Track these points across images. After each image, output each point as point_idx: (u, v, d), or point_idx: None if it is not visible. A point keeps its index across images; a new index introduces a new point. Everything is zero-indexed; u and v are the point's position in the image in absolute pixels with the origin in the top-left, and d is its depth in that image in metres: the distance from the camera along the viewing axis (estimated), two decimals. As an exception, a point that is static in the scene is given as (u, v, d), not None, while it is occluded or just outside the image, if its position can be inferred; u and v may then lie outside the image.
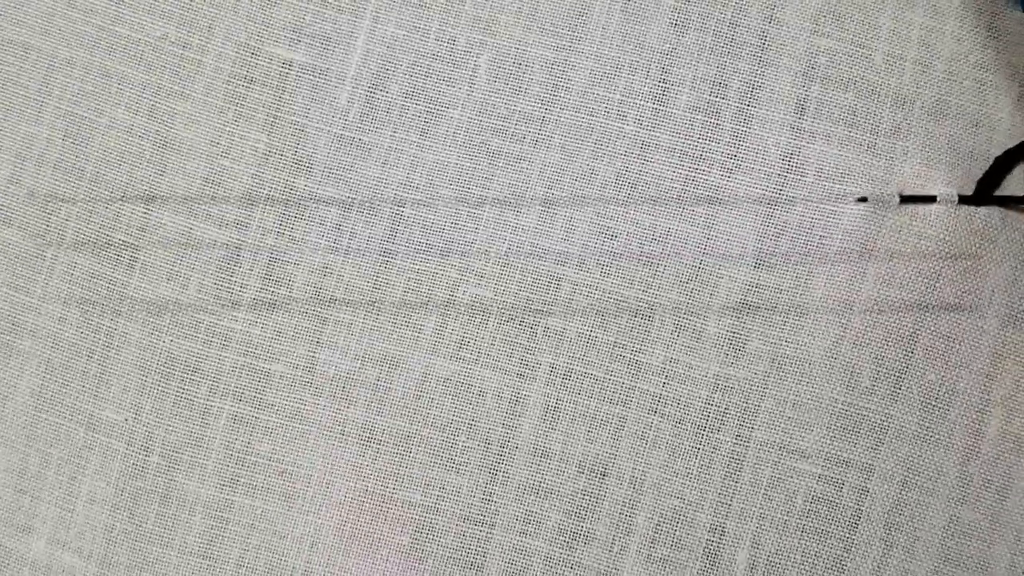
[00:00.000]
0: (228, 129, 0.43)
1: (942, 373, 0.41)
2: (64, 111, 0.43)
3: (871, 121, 0.42)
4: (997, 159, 0.41)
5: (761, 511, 0.41)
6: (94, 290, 0.43)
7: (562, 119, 0.42)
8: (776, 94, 0.42)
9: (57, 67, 0.43)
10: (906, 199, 0.41)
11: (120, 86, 0.43)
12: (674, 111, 0.42)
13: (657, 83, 0.42)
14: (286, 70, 0.43)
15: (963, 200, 0.41)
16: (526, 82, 0.42)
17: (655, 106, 0.42)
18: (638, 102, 0.42)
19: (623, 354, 0.42)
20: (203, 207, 0.42)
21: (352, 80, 0.43)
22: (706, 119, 0.42)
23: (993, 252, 0.41)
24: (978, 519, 0.41)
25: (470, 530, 0.42)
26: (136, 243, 0.43)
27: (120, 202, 0.43)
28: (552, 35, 0.42)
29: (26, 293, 0.43)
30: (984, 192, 0.41)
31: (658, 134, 0.42)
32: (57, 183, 0.43)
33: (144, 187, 0.43)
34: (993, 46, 0.42)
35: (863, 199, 0.41)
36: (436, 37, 0.43)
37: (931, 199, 0.41)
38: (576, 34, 0.42)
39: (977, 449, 0.41)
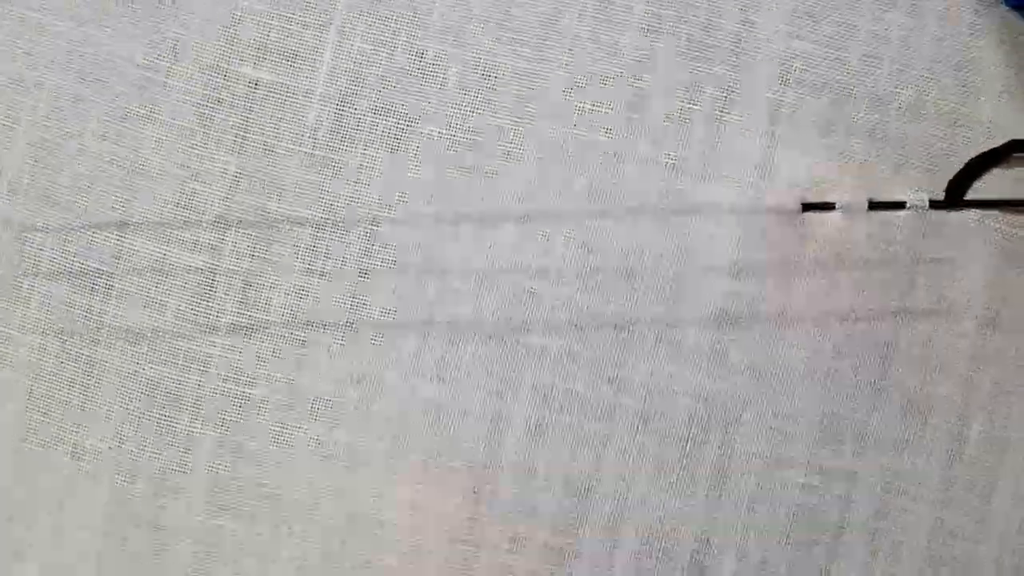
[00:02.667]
0: (197, 152, 0.42)
1: (922, 378, 0.41)
2: (34, 137, 0.42)
3: (845, 125, 0.41)
4: (969, 162, 0.40)
5: (746, 522, 0.41)
6: (71, 319, 0.42)
7: (535, 131, 0.41)
8: (750, 100, 0.41)
9: (25, 91, 0.42)
10: (875, 205, 0.40)
11: (88, 110, 0.42)
12: (647, 120, 0.41)
13: (630, 91, 0.41)
14: (253, 90, 0.42)
15: (933, 205, 0.40)
16: (497, 94, 0.42)
17: (628, 115, 0.41)
18: (611, 112, 0.41)
19: (604, 369, 0.41)
20: (176, 232, 0.42)
21: (320, 97, 0.42)
22: (679, 127, 0.41)
23: (968, 255, 0.41)
24: (963, 522, 0.41)
25: (456, 550, 0.42)
26: (111, 271, 0.42)
27: (93, 229, 0.42)
28: (522, 44, 0.42)
29: (4, 324, 0.43)
30: (955, 196, 0.40)
31: (632, 144, 0.41)
32: (29, 211, 0.42)
33: (116, 213, 0.42)
34: (975, 45, 0.41)
35: (831, 206, 0.40)
36: (404, 50, 0.42)
37: (900, 205, 0.40)
38: (546, 43, 0.42)
39: (960, 452, 0.41)
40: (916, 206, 0.40)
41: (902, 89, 0.41)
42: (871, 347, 0.41)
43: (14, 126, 0.43)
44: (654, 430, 0.41)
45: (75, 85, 0.42)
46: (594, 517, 0.42)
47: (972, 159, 0.40)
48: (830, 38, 0.41)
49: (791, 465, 0.41)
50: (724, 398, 0.41)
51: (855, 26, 0.41)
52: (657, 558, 0.41)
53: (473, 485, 0.42)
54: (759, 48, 0.41)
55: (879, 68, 0.41)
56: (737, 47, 0.41)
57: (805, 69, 0.41)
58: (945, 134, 0.41)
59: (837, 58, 0.41)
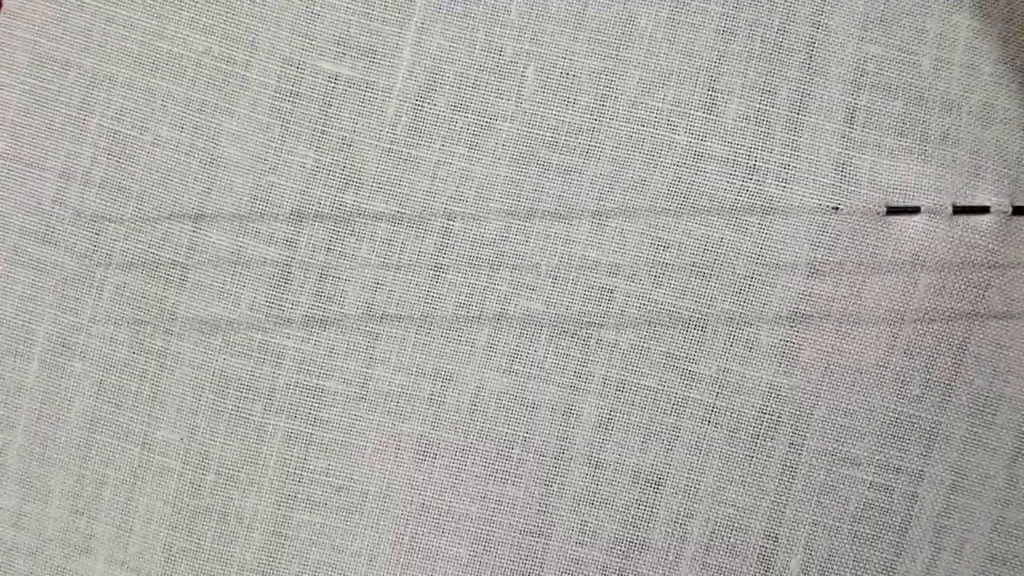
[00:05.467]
0: (275, 145, 0.42)
1: (991, 380, 0.42)
2: (107, 129, 0.43)
3: (920, 128, 0.42)
4: None
5: (814, 518, 0.42)
6: (144, 310, 0.42)
7: (612, 129, 0.42)
8: (826, 102, 0.42)
9: (98, 84, 0.43)
10: (959, 210, 0.41)
11: (163, 102, 0.43)
12: (724, 120, 0.42)
13: (706, 92, 0.42)
14: (332, 84, 0.42)
15: (1017, 211, 0.41)
16: (574, 92, 0.42)
17: (705, 115, 0.42)
18: (688, 111, 0.42)
19: (676, 365, 0.42)
20: (252, 224, 0.42)
21: (399, 93, 0.42)
22: (757, 128, 0.42)
23: (1041, 257, 0.42)
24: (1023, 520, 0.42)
25: (527, 541, 0.42)
26: (185, 262, 0.42)
27: (168, 220, 0.42)
28: (599, 44, 0.42)
29: (75, 314, 0.43)
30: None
31: (709, 143, 0.42)
32: (103, 202, 0.43)
33: (191, 205, 0.42)
34: (1041, 49, 0.42)
35: (916, 210, 0.41)
36: (482, 48, 0.42)
37: (984, 209, 0.41)
38: (623, 43, 0.42)
39: (1022, 451, 0.42)
40: (1000, 211, 0.40)
41: (972, 93, 0.42)
42: (943, 348, 0.41)
43: (87, 119, 0.43)
44: (724, 425, 0.42)
45: (149, 78, 0.43)
46: (663, 510, 0.42)
47: None
48: (902, 42, 0.42)
49: (859, 462, 0.42)
50: (795, 395, 0.42)
51: (926, 30, 0.42)
52: (725, 552, 0.42)
53: (544, 477, 0.42)
54: (832, 51, 0.42)
55: (950, 72, 0.42)
56: (811, 50, 0.42)
57: (878, 72, 0.42)
58: (1016, 139, 0.42)
59: (910, 61, 0.42)
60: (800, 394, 0.42)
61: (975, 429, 0.42)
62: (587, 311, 0.42)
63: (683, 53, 0.42)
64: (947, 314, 0.41)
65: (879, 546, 0.42)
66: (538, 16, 0.42)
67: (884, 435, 0.42)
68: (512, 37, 0.42)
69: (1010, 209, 0.40)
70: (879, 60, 0.42)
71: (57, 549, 0.43)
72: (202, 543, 0.42)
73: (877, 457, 0.42)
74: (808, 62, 0.42)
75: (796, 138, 0.41)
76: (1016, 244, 0.41)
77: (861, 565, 0.42)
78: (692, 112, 0.42)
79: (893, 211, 0.40)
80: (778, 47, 0.42)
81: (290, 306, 0.42)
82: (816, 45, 0.42)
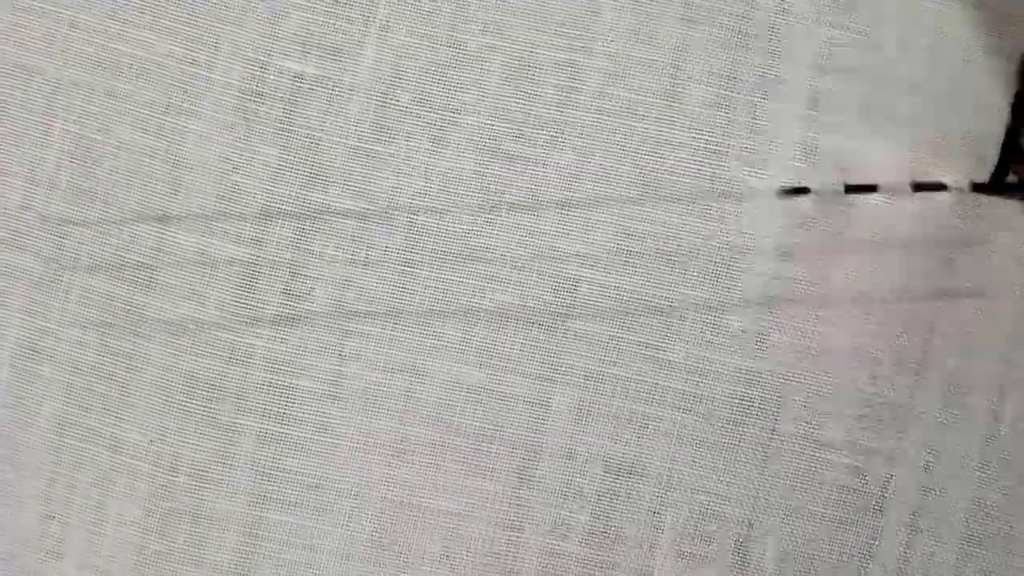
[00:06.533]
0: (239, 145, 0.42)
1: (960, 359, 0.42)
2: (72, 133, 0.43)
3: (883, 110, 0.42)
4: (1003, 143, 0.41)
5: (790, 503, 0.42)
6: (112, 313, 0.42)
7: (576, 120, 0.42)
8: (789, 86, 0.42)
9: (62, 89, 0.43)
10: (918, 187, 0.41)
11: (127, 106, 0.42)
12: (688, 107, 0.42)
13: (669, 79, 0.42)
14: (296, 83, 0.42)
15: (975, 187, 0.41)
16: (538, 85, 0.42)
17: (669, 103, 0.42)
18: (651, 99, 0.42)
19: (648, 353, 0.42)
20: (218, 224, 0.42)
21: (363, 90, 0.42)
22: (720, 114, 0.42)
23: (1006, 236, 0.42)
24: (999, 500, 0.42)
25: (502, 535, 0.42)
26: (152, 263, 0.42)
27: (134, 223, 0.42)
28: (562, 36, 0.42)
29: (43, 318, 0.42)
30: (998, 179, 0.41)
31: (673, 131, 0.42)
32: (69, 206, 0.42)
33: (157, 207, 0.42)
34: (1003, 31, 0.42)
35: (874, 188, 0.41)
36: (446, 43, 0.42)
37: (942, 187, 0.41)
38: (586, 34, 0.42)
39: (996, 432, 0.42)
40: (957, 188, 0.40)
41: (935, 75, 0.42)
42: (913, 328, 0.41)
43: (51, 123, 0.43)
44: (698, 412, 0.42)
45: (112, 81, 0.43)
46: (638, 500, 0.42)
47: (1004, 139, 0.41)
48: (864, 26, 0.42)
49: (834, 445, 0.42)
50: (767, 380, 0.42)
51: (888, 13, 0.42)
52: (701, 540, 0.42)
53: (518, 470, 0.42)
54: (795, 36, 0.42)
55: (914, 54, 0.42)
56: (773, 35, 0.42)
57: (841, 56, 0.42)
58: (980, 120, 0.42)
59: (872, 45, 0.42)
60: (773, 378, 0.42)
61: (947, 409, 0.42)
62: (557, 302, 0.42)
63: (645, 42, 0.42)
64: (915, 293, 0.41)
65: (856, 530, 0.42)
66: (501, 10, 0.42)
67: (858, 417, 0.42)
68: (475, 32, 0.42)
69: (968, 186, 0.41)
70: (842, 44, 0.42)
71: (30, 554, 0.42)
72: (174, 545, 0.42)
73: (851, 440, 0.42)
74: (770, 47, 0.42)
75: (760, 122, 0.42)
76: (978, 222, 0.41)
77: (838, 549, 0.42)
78: (656, 100, 0.42)
79: (851, 189, 0.41)
80: (740, 33, 0.42)
81: (259, 305, 0.42)
82: (778, 30, 0.42)
